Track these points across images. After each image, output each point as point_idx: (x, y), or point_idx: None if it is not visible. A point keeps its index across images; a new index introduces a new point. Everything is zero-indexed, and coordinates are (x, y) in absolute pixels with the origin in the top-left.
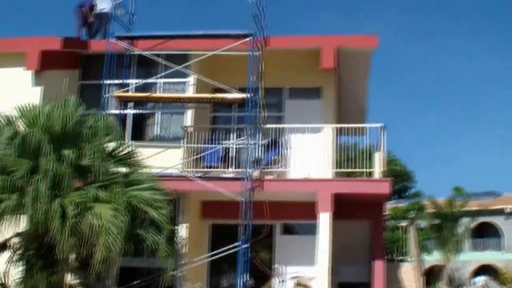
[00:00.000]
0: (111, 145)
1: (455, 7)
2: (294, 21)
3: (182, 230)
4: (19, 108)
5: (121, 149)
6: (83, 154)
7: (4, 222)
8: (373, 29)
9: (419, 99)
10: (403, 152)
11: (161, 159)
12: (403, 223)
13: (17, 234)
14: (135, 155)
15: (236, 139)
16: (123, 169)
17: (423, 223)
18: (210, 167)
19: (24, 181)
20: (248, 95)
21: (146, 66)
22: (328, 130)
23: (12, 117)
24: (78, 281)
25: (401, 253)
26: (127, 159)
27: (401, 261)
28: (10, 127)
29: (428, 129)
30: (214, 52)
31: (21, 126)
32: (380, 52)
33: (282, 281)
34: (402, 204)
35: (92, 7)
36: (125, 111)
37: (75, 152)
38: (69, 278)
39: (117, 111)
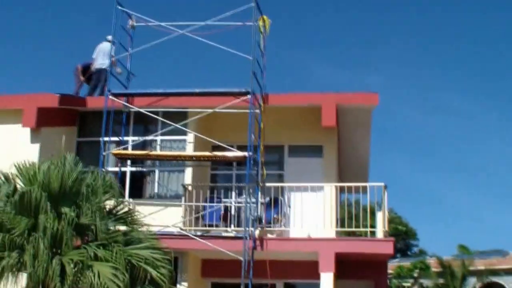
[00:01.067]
0: (110, 203)
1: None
2: (292, 76)
3: None
4: (17, 166)
5: (120, 207)
6: (82, 213)
7: (3, 280)
8: (371, 82)
9: (419, 155)
10: (405, 210)
11: (161, 217)
12: (408, 283)
13: None
14: (134, 213)
15: (236, 197)
16: (122, 227)
17: (428, 283)
18: (211, 225)
19: (23, 239)
20: (248, 154)
21: (144, 123)
22: (329, 189)
23: (10, 175)
24: None
25: None
26: (126, 218)
27: None
28: (8, 185)
29: (429, 187)
30: (213, 110)
31: (19, 183)
32: (380, 107)
33: None
34: (406, 263)
35: (87, 66)
36: (124, 169)
37: (74, 210)
38: None
39: (116, 169)
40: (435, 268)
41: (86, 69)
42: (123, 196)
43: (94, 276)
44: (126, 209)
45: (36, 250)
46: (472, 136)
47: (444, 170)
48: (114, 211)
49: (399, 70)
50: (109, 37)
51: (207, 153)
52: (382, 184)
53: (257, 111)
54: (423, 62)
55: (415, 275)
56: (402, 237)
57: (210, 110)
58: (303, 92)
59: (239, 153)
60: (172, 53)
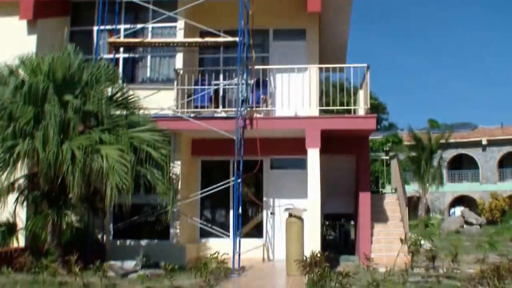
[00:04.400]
0: (110, 90)
1: None
2: None
3: (176, 168)
4: (21, 58)
5: (120, 93)
6: (87, 100)
7: (18, 165)
8: None
9: (390, 32)
10: (375, 84)
11: (154, 100)
12: (381, 155)
13: (24, 176)
14: (133, 98)
15: (224, 79)
16: (123, 112)
17: (400, 155)
18: (202, 107)
19: (31, 127)
20: (240, 38)
21: (135, 12)
22: (313, 70)
23: (14, 67)
24: (77, 217)
25: (381, 184)
26: (126, 103)
27: (383, 192)
28: (14, 77)
29: (399, 61)
30: None
31: (22, 75)
32: None
33: (271, 213)
34: (378, 137)
35: None
36: (118, 56)
37: (80, 98)
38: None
39: (110, 56)
40: (407, 141)
41: None
42: (124, 83)
43: (102, 158)
44: (126, 95)
45: (46, 136)
46: (445, 18)
47: (415, 45)
48: (115, 97)
49: None
50: None
51: (199, 39)
52: (365, 65)
53: None
54: None
55: (387, 148)
56: (373, 110)
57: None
58: None
59: (230, 38)
60: None
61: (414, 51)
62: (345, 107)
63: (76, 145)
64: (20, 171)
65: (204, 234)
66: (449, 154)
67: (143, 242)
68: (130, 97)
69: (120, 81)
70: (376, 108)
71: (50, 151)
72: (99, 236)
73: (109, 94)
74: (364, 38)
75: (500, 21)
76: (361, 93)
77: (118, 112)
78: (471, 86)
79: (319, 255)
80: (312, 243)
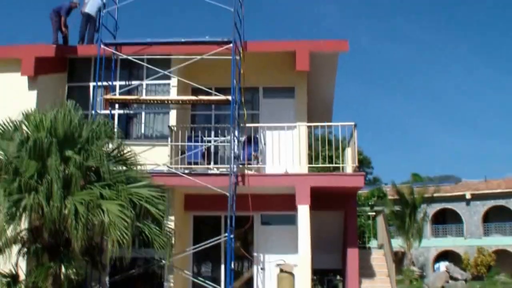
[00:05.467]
0: (109, 146)
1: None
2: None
3: (170, 222)
4: (24, 114)
5: (118, 149)
6: (88, 156)
7: (22, 218)
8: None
9: (375, 84)
10: (359, 138)
11: (148, 156)
12: (367, 210)
13: (26, 229)
14: (130, 154)
15: (215, 136)
16: (121, 168)
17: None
18: (195, 163)
19: (35, 182)
20: (232, 97)
21: (130, 69)
22: (302, 128)
23: (18, 122)
24: (74, 271)
25: (366, 239)
26: (124, 159)
27: (369, 247)
28: (18, 132)
29: (382, 116)
30: (201, 57)
31: (26, 130)
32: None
33: (262, 268)
34: (363, 191)
35: (69, 11)
36: (113, 111)
37: (81, 154)
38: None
39: (106, 112)
40: (391, 195)
41: (59, 12)
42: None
43: (103, 213)
44: (124, 151)
45: (50, 191)
46: (429, 65)
47: (398, 97)
48: (113, 153)
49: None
50: None
51: (193, 97)
52: (352, 123)
53: (237, 57)
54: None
55: (372, 203)
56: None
57: (197, 57)
58: (279, 40)
59: (223, 97)
60: (157, 4)
61: (396, 102)
62: (334, 165)
63: (78, 200)
64: (23, 224)
65: (196, 287)
66: (433, 208)
67: None
68: (127, 153)
69: (118, 138)
70: (361, 162)
71: (54, 206)
72: None
73: (108, 150)
74: (345, 87)
75: (486, 68)
76: (349, 151)
77: (116, 168)
78: (453, 139)
79: None
80: None
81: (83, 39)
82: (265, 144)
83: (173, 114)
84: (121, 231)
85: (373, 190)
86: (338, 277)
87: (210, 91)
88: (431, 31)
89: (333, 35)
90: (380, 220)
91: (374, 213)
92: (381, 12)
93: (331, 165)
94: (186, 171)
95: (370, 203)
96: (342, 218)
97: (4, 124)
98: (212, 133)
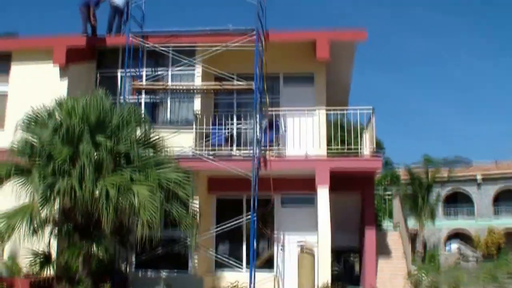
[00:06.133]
0: (138, 132)
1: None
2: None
3: (195, 204)
4: (57, 101)
5: (147, 134)
6: (119, 141)
7: (55, 200)
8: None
9: (388, 69)
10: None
11: (174, 141)
12: (380, 192)
13: (60, 211)
14: (159, 139)
15: (238, 121)
16: (150, 152)
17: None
18: (216, 146)
19: (68, 166)
20: (255, 85)
21: (157, 58)
22: (321, 113)
23: (51, 110)
24: (103, 250)
25: (381, 220)
26: (152, 143)
27: (383, 228)
28: (52, 119)
29: (393, 99)
30: (226, 48)
31: (58, 117)
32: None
33: (282, 247)
34: (378, 175)
35: (98, 3)
36: (140, 98)
37: (111, 139)
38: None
39: (134, 99)
40: (404, 178)
41: (88, 4)
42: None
43: (134, 196)
44: (152, 136)
45: (82, 175)
46: (440, 52)
47: (411, 82)
48: (142, 138)
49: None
50: None
51: (217, 85)
52: (370, 107)
53: (260, 47)
54: None
55: (385, 185)
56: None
57: (223, 48)
58: (299, 29)
59: (245, 84)
60: None
61: (407, 83)
62: (352, 148)
63: (109, 184)
64: (55, 205)
65: (219, 266)
66: (445, 190)
67: (164, 273)
68: (155, 139)
69: (146, 124)
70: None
71: (86, 189)
72: (123, 267)
73: (137, 135)
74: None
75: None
76: (366, 135)
77: (145, 152)
78: (464, 120)
79: (330, 286)
80: (323, 276)
81: (110, 30)
82: (285, 129)
83: (197, 101)
84: (150, 212)
85: (386, 172)
86: (353, 256)
87: (231, 77)
88: (447, 18)
89: (349, 23)
90: (396, 201)
91: (390, 195)
92: None
93: (349, 149)
94: (210, 155)
95: (383, 185)
96: (360, 200)
97: (38, 112)
98: (235, 118)
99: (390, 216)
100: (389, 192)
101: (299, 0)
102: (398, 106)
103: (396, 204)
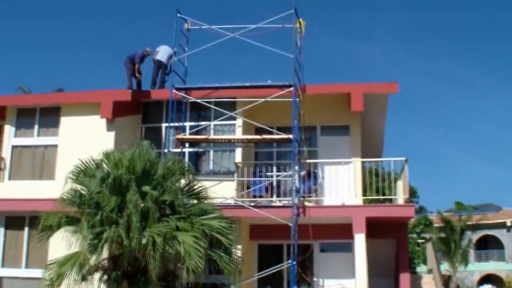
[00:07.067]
0: (183, 182)
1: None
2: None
3: (238, 251)
4: (105, 153)
5: (191, 184)
6: (164, 191)
7: (103, 248)
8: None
9: (417, 118)
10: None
11: (217, 190)
12: (415, 237)
13: (107, 258)
14: (202, 189)
15: (277, 171)
16: (193, 201)
17: (430, 235)
18: (257, 196)
19: (116, 215)
20: (294, 136)
21: (200, 111)
22: (357, 163)
23: (99, 161)
24: None
25: (415, 265)
26: (196, 193)
27: (417, 272)
28: (99, 170)
29: (426, 147)
30: (264, 100)
31: (106, 168)
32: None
33: None
34: (413, 220)
35: (142, 58)
36: (184, 150)
37: (157, 189)
38: None
39: (177, 150)
40: (437, 223)
41: (133, 59)
42: (195, 175)
43: (179, 244)
44: (196, 186)
45: (129, 224)
46: (466, 100)
47: (437, 131)
48: (186, 188)
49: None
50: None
51: (258, 136)
52: (403, 158)
53: (297, 99)
54: (420, 31)
55: (419, 230)
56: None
57: (261, 100)
58: (334, 83)
59: (284, 135)
60: (222, 51)
61: (434, 135)
62: (386, 197)
63: (156, 232)
64: (104, 253)
65: None
66: (476, 235)
67: None
68: (198, 188)
69: (189, 174)
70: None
71: (133, 237)
72: None
73: (181, 185)
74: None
75: None
76: (400, 184)
77: (189, 202)
78: (492, 169)
79: None
80: None
81: (154, 84)
82: (323, 178)
83: (238, 151)
84: (195, 260)
85: (419, 218)
86: None
87: (272, 130)
88: (469, 68)
89: (376, 74)
90: (429, 246)
91: (423, 240)
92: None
93: (383, 197)
94: (252, 204)
95: (417, 231)
96: (394, 245)
97: (87, 163)
98: (274, 168)
99: (424, 260)
100: (423, 237)
101: (332, 54)
102: (429, 154)
103: (429, 249)
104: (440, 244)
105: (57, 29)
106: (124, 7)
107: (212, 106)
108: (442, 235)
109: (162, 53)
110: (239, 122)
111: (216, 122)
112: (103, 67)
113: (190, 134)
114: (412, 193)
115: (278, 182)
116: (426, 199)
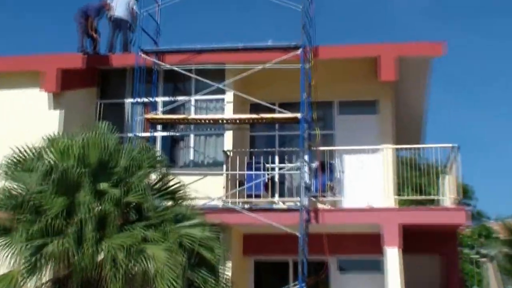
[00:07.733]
0: (153, 177)
1: None
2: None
3: (227, 269)
4: (47, 138)
5: (164, 180)
6: (128, 189)
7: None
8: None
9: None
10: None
11: (199, 188)
12: (469, 253)
13: (52, 280)
14: (179, 186)
15: (280, 162)
16: (167, 204)
17: (493, 251)
18: (252, 196)
19: (63, 222)
20: (302, 114)
21: (177, 83)
22: (388, 151)
23: (40, 149)
24: None
25: None
26: (171, 192)
27: None
28: (41, 162)
29: (484, 133)
30: (263, 66)
31: (50, 159)
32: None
33: None
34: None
35: (99, 12)
36: (156, 134)
37: (119, 187)
38: None
39: (146, 134)
40: (499, 234)
41: (86, 12)
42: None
43: (147, 260)
44: (171, 183)
45: (80, 235)
46: None
47: (503, 110)
48: (158, 185)
49: None
50: None
51: (253, 115)
52: (453, 145)
53: (307, 66)
54: None
55: (476, 244)
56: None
57: (259, 67)
58: (358, 44)
59: (290, 114)
60: (209, 3)
61: (500, 115)
62: (428, 197)
63: (117, 245)
64: (47, 275)
65: None
66: None
67: None
68: (174, 185)
69: (164, 166)
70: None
71: (86, 252)
72: None
73: (151, 181)
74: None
75: None
76: (447, 179)
77: (162, 204)
78: None
79: None
80: None
81: (112, 49)
82: (342, 171)
83: (228, 136)
84: (170, 281)
85: (476, 227)
86: None
87: (273, 107)
88: None
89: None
90: (490, 266)
91: (482, 257)
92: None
93: (424, 197)
94: (246, 206)
95: (472, 244)
96: (440, 263)
97: (23, 152)
98: (277, 158)
99: (480, 282)
100: (481, 253)
101: (355, 11)
102: (489, 142)
103: (491, 269)
104: (506, 262)
105: None
106: None
107: (193, 76)
108: (510, 251)
109: (120, 6)
110: (229, 96)
111: (198, 97)
112: (47, 26)
113: (163, 113)
114: (466, 193)
115: (282, 177)
116: (486, 202)
